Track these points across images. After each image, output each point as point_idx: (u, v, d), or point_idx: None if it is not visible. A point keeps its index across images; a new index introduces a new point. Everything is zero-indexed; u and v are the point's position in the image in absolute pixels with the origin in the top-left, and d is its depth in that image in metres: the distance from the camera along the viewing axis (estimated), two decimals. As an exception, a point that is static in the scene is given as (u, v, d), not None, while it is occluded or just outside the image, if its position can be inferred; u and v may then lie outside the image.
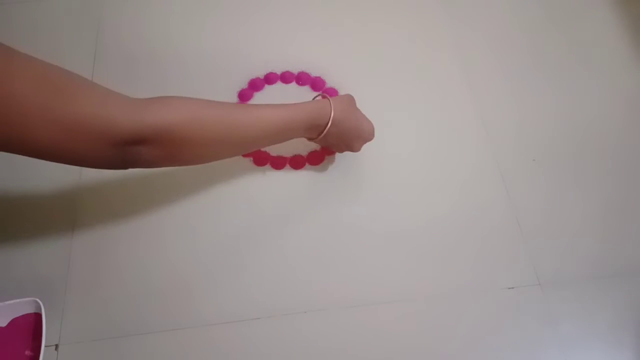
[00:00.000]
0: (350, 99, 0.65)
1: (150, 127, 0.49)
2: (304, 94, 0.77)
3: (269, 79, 0.77)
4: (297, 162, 0.71)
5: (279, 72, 0.78)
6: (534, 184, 0.70)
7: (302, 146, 0.72)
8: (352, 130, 0.64)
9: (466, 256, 0.65)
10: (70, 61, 0.78)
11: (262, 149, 0.71)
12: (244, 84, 0.77)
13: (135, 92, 0.75)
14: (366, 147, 0.72)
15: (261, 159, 0.71)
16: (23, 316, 0.59)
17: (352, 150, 0.67)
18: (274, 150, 0.71)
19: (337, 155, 0.71)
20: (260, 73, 0.78)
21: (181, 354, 0.59)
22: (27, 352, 0.58)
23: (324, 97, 0.63)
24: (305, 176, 0.70)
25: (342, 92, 0.76)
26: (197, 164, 0.58)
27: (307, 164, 0.71)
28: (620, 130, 0.75)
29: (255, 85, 0.77)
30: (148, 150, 0.50)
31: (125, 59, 0.79)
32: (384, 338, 0.60)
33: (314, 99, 0.64)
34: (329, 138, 0.63)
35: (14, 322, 0.59)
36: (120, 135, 0.48)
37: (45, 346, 0.57)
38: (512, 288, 0.63)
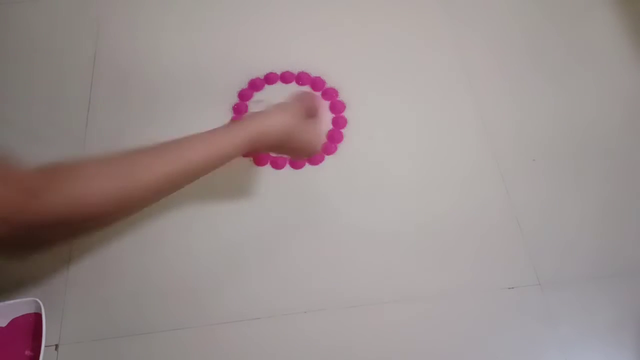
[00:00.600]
0: (291, 110, 0.59)
1: (37, 215, 0.44)
2: (304, 94, 0.77)
3: (269, 79, 0.77)
4: (297, 162, 0.71)
5: (279, 72, 0.78)
6: (533, 184, 0.70)
7: (302, 146, 0.72)
8: (297, 141, 0.59)
9: (466, 256, 0.65)
10: (70, 61, 0.79)
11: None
12: (244, 84, 0.77)
13: (135, 92, 0.76)
14: (366, 147, 0.72)
15: (261, 159, 0.71)
16: (23, 316, 0.59)
17: (302, 159, 0.67)
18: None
19: (337, 155, 0.71)
20: (260, 73, 0.78)
21: (181, 354, 0.59)
22: (27, 352, 0.58)
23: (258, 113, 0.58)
24: (305, 176, 0.70)
25: (342, 92, 0.76)
26: (110, 224, 0.53)
27: (307, 164, 0.71)
28: (620, 130, 0.75)
29: (255, 85, 0.77)
30: (48, 233, 0.47)
31: (125, 58, 0.79)
32: (383, 338, 0.60)
33: (253, 102, 0.63)
34: (275, 149, 0.60)
35: (14, 322, 0.59)
36: (7, 220, 0.43)
37: (45, 346, 0.57)
38: (512, 288, 0.63)
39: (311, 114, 0.63)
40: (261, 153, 0.62)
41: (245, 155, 0.60)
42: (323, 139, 0.65)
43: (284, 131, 0.56)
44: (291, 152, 0.63)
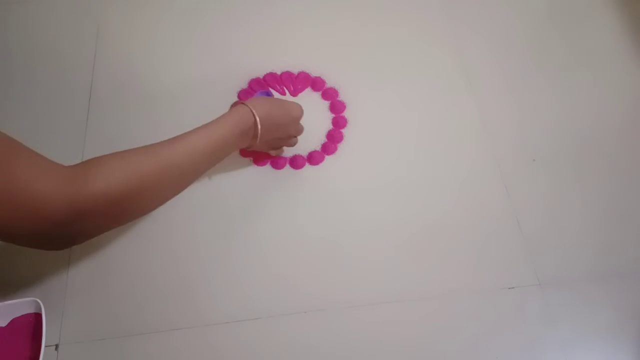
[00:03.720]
0: (263, 97, 0.65)
1: (90, 198, 0.47)
2: (303, 94, 0.77)
3: (269, 79, 0.77)
4: (297, 162, 0.71)
5: (279, 72, 0.78)
6: (534, 184, 0.70)
7: (302, 146, 0.72)
8: (281, 116, 0.63)
9: (466, 256, 0.65)
10: (70, 61, 0.78)
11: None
12: (244, 84, 0.77)
13: (135, 92, 0.76)
14: (366, 147, 0.72)
15: (261, 159, 0.71)
16: (23, 316, 0.59)
17: (296, 135, 0.68)
18: (274, 150, 0.71)
19: (337, 154, 0.71)
20: (260, 73, 0.78)
21: (181, 354, 0.59)
22: (27, 352, 0.58)
23: (236, 103, 0.63)
24: (305, 176, 0.70)
25: (342, 93, 0.76)
26: (144, 215, 0.59)
27: (307, 164, 0.71)
28: (621, 130, 0.75)
29: (255, 85, 0.77)
30: (91, 222, 0.49)
31: (125, 58, 0.79)
32: (383, 338, 0.60)
33: (231, 107, 0.63)
34: (265, 136, 0.61)
35: (14, 322, 0.59)
36: (54, 214, 0.45)
37: (45, 346, 0.57)
38: (512, 288, 0.63)
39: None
40: (255, 148, 0.63)
41: (244, 154, 0.62)
42: (299, 106, 0.66)
43: (262, 106, 0.60)
44: (279, 123, 0.63)
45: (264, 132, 0.61)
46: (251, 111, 0.59)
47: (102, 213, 0.49)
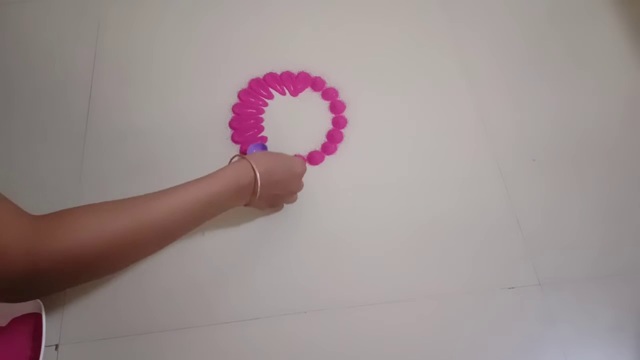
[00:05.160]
0: (265, 152, 0.62)
1: (51, 256, 0.44)
2: (303, 94, 0.77)
3: (269, 79, 0.77)
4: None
5: (279, 72, 0.78)
6: (534, 184, 0.70)
7: (302, 146, 0.72)
8: (283, 172, 0.59)
9: (466, 256, 0.65)
10: (70, 61, 0.78)
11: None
12: (244, 84, 0.77)
13: (135, 91, 0.76)
14: (366, 147, 0.72)
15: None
16: (23, 316, 0.59)
17: (296, 191, 0.64)
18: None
19: (337, 154, 0.71)
20: (260, 73, 0.78)
21: (181, 353, 0.59)
22: (27, 352, 0.57)
23: (238, 156, 0.59)
24: (305, 176, 0.70)
25: (342, 93, 0.76)
26: (114, 272, 0.55)
27: (307, 164, 0.71)
28: (620, 130, 0.75)
29: (255, 85, 0.77)
30: (51, 279, 0.46)
31: (125, 58, 0.79)
32: (383, 338, 0.60)
33: (230, 161, 0.59)
34: (265, 194, 0.58)
35: (14, 322, 0.59)
36: (12, 270, 0.42)
37: (45, 346, 0.57)
38: (512, 288, 0.63)
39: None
40: (253, 205, 0.59)
41: (247, 205, 0.59)
42: (303, 163, 0.63)
43: (264, 162, 0.57)
44: (282, 179, 0.60)
45: (263, 189, 0.57)
46: (251, 166, 0.56)
47: (63, 272, 0.46)
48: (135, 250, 0.51)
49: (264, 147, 0.70)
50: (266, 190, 0.58)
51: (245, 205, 0.59)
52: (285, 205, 0.66)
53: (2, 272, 0.42)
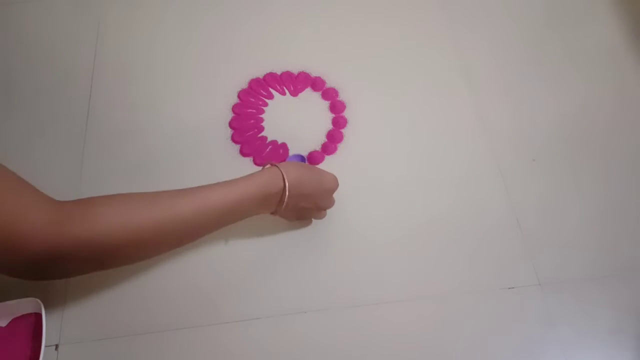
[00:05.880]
0: (298, 163, 0.61)
1: (71, 242, 0.45)
2: (303, 94, 0.77)
3: (269, 79, 0.77)
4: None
5: (279, 72, 0.78)
6: (533, 184, 0.70)
7: (302, 146, 0.72)
8: (313, 186, 0.58)
9: (466, 256, 0.65)
10: (70, 61, 0.78)
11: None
12: (244, 84, 0.77)
13: (135, 92, 0.76)
14: (366, 147, 0.72)
15: (261, 159, 0.71)
16: (23, 316, 0.59)
17: (325, 208, 0.63)
18: (274, 150, 0.71)
19: (337, 154, 0.71)
20: (260, 73, 0.78)
21: (181, 354, 0.59)
22: (27, 352, 0.57)
23: (271, 164, 0.58)
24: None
25: (342, 93, 0.76)
26: (131, 263, 0.54)
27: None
28: (620, 130, 0.75)
29: (255, 85, 0.77)
30: (69, 265, 0.47)
31: (125, 58, 0.79)
32: (383, 338, 0.60)
33: (263, 167, 0.58)
34: (292, 205, 0.57)
35: (14, 322, 0.59)
36: (34, 252, 0.44)
37: (45, 346, 0.57)
38: (512, 288, 0.63)
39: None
40: (280, 214, 0.58)
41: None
42: (335, 178, 0.61)
43: (295, 172, 0.56)
44: (311, 192, 0.58)
45: (291, 199, 0.56)
46: (282, 174, 0.55)
47: (84, 258, 0.47)
48: (155, 245, 0.52)
49: (303, 159, 0.70)
50: (294, 201, 0.57)
51: (272, 214, 0.58)
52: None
53: (26, 254, 0.44)
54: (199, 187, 0.52)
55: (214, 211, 0.52)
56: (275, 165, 0.56)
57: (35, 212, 0.44)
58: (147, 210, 0.49)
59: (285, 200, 0.55)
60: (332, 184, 0.61)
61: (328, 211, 0.66)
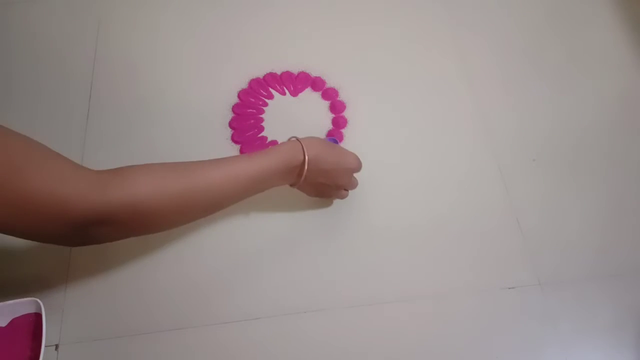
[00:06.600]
0: (321, 139, 0.61)
1: (112, 206, 0.47)
2: (303, 94, 0.77)
3: (269, 79, 0.77)
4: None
5: (279, 72, 0.78)
6: (533, 184, 0.70)
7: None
8: (332, 163, 0.60)
9: (466, 256, 0.65)
10: (70, 61, 0.78)
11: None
12: (244, 84, 0.77)
13: (135, 92, 0.76)
14: (366, 147, 0.72)
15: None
16: (23, 316, 0.59)
17: (347, 188, 0.64)
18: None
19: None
20: (260, 73, 0.78)
21: (181, 353, 0.59)
22: (27, 352, 0.57)
23: (295, 138, 0.60)
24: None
25: (342, 93, 0.76)
26: (164, 230, 0.56)
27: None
28: (620, 130, 0.75)
29: (255, 85, 0.77)
30: (110, 229, 0.49)
31: (125, 58, 0.79)
32: (383, 338, 0.60)
33: (288, 140, 0.60)
34: (311, 179, 0.59)
35: (14, 322, 0.59)
36: (78, 217, 0.46)
37: (45, 346, 0.57)
38: (512, 288, 0.63)
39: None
40: (300, 188, 0.60)
41: (292, 185, 0.60)
42: (358, 160, 0.63)
43: (316, 148, 0.58)
44: (329, 169, 0.60)
45: (310, 174, 0.58)
46: (302, 148, 0.57)
47: (123, 223, 0.49)
48: (185, 213, 0.54)
49: (335, 142, 0.70)
50: (313, 176, 0.59)
51: (291, 185, 0.60)
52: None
53: (72, 220, 0.46)
54: (226, 159, 0.55)
55: (241, 181, 0.55)
56: (298, 140, 0.58)
57: (77, 179, 0.46)
58: (180, 180, 0.52)
59: (304, 174, 0.57)
60: (352, 164, 0.62)
61: (328, 210, 0.66)
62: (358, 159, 0.63)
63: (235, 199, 0.57)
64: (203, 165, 0.54)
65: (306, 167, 0.57)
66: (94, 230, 0.48)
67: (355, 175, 0.65)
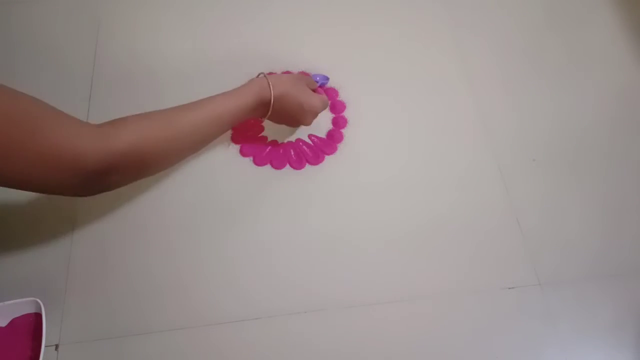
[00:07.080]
0: (291, 77, 0.67)
1: (118, 153, 0.52)
2: (304, 94, 0.77)
3: (269, 79, 0.77)
4: (297, 162, 0.71)
5: (279, 72, 0.78)
6: (533, 184, 0.70)
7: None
8: (296, 104, 0.65)
9: (466, 256, 0.65)
10: (70, 61, 0.78)
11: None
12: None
13: (135, 92, 0.76)
14: (366, 147, 0.72)
15: (261, 159, 0.71)
16: (23, 316, 0.59)
17: (304, 124, 0.69)
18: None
19: (337, 154, 0.71)
20: (260, 73, 0.78)
21: (181, 354, 0.59)
22: (27, 352, 0.58)
23: (263, 74, 0.65)
24: (305, 176, 0.70)
25: (342, 93, 0.76)
26: (161, 170, 0.63)
27: (307, 164, 0.71)
28: (619, 130, 0.75)
29: (255, 85, 0.77)
30: (118, 175, 0.54)
31: (126, 59, 0.79)
32: (383, 338, 0.60)
33: (257, 75, 0.66)
34: (276, 117, 0.66)
35: (14, 322, 0.59)
36: (90, 167, 0.50)
37: (45, 346, 0.57)
38: (512, 288, 0.63)
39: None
40: (265, 115, 0.65)
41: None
42: (323, 104, 0.69)
43: (281, 87, 0.63)
44: (291, 108, 0.65)
45: (274, 112, 0.64)
46: (269, 87, 0.62)
47: (129, 167, 0.54)
48: (175, 152, 0.60)
49: (326, 79, 0.76)
50: (277, 114, 0.65)
51: (261, 117, 0.66)
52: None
53: (81, 170, 0.50)
54: (203, 101, 0.61)
55: (220, 119, 0.61)
56: (266, 77, 0.64)
57: (82, 131, 0.50)
58: (167, 124, 0.57)
59: (269, 111, 0.64)
60: (316, 107, 0.68)
61: (329, 210, 0.66)
62: (323, 102, 0.69)
63: (217, 134, 0.63)
64: (186, 109, 0.60)
65: (271, 106, 0.63)
66: (104, 178, 0.52)
67: (355, 175, 0.65)
